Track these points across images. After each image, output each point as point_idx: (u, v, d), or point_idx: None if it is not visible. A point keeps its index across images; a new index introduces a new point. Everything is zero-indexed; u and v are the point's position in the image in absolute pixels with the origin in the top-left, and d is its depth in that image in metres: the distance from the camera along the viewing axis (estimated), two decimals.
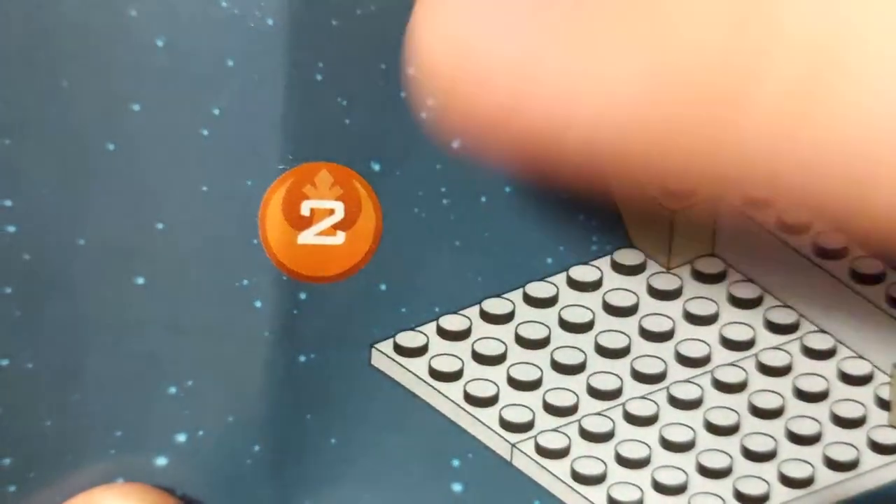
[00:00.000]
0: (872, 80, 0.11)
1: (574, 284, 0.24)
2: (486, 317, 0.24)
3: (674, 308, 0.24)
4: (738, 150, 0.12)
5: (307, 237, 0.23)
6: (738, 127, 0.12)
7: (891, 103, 0.11)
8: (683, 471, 0.24)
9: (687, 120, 0.12)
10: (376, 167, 0.23)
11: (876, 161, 0.11)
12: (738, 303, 0.24)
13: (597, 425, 0.24)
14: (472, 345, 0.24)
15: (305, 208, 0.23)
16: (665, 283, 0.24)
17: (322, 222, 0.23)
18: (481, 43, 0.13)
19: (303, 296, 0.23)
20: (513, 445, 0.24)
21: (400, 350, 0.24)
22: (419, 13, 0.14)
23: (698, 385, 0.24)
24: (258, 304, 0.23)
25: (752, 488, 0.24)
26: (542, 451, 0.24)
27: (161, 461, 0.24)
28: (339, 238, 0.23)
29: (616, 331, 0.24)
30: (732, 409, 0.24)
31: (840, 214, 0.12)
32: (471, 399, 0.24)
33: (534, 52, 0.13)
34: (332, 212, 0.23)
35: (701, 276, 0.24)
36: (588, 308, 0.24)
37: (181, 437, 0.24)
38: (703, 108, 0.12)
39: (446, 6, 0.13)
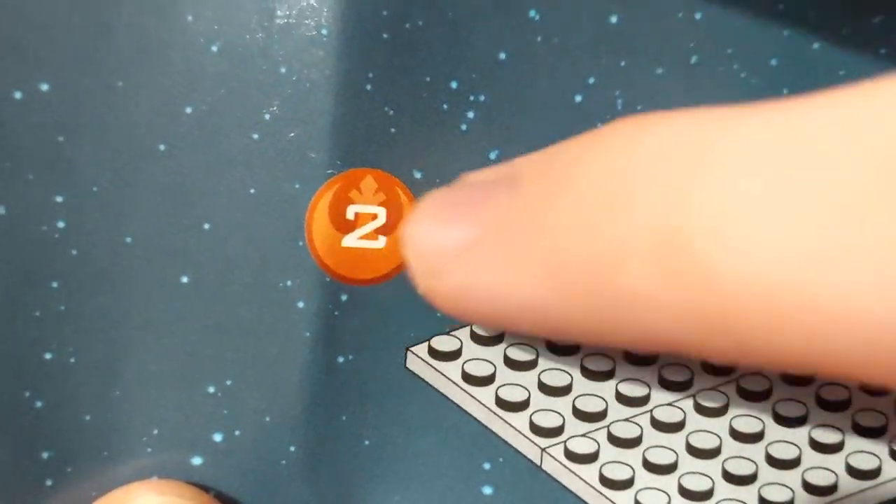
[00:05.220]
0: (715, 253, 0.14)
1: None
2: None
3: None
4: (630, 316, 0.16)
5: (351, 240, 0.24)
6: (618, 300, 0.16)
7: (732, 271, 0.14)
8: (709, 477, 0.25)
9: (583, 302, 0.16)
10: (418, 175, 0.24)
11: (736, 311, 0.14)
12: None
13: (625, 431, 0.25)
14: (505, 350, 0.25)
15: (350, 212, 0.24)
16: None
17: (365, 226, 0.24)
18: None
19: (344, 297, 0.24)
20: (543, 450, 0.25)
21: (434, 354, 0.24)
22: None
23: (724, 393, 0.25)
24: (301, 304, 0.24)
25: (777, 495, 0.24)
26: (572, 456, 0.24)
27: (197, 460, 0.24)
28: (381, 242, 0.24)
29: None
30: (757, 417, 0.25)
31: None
32: (502, 403, 0.25)
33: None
34: (374, 217, 0.24)
35: None
36: None
37: (218, 437, 0.24)
38: (588, 291, 0.16)
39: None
